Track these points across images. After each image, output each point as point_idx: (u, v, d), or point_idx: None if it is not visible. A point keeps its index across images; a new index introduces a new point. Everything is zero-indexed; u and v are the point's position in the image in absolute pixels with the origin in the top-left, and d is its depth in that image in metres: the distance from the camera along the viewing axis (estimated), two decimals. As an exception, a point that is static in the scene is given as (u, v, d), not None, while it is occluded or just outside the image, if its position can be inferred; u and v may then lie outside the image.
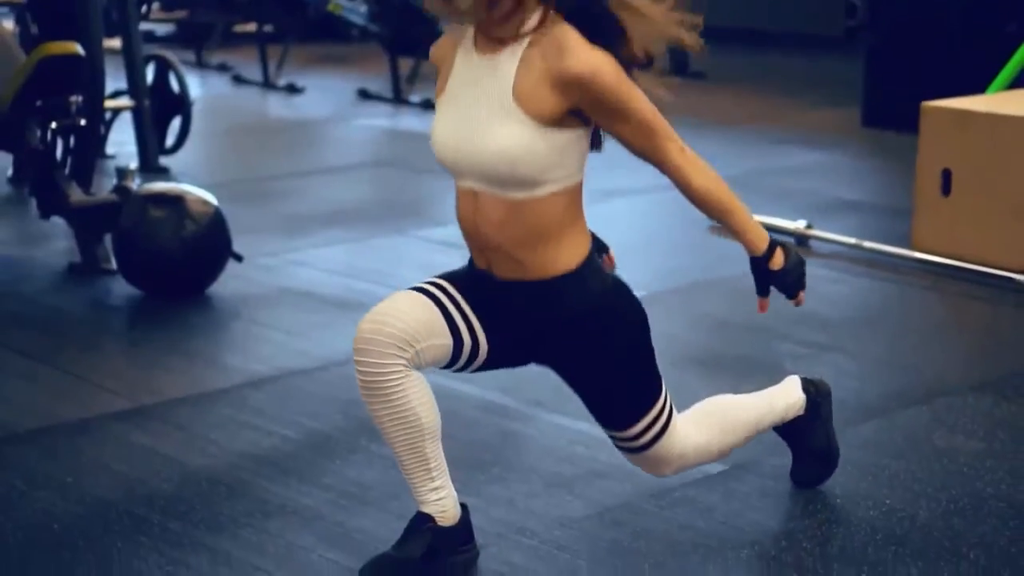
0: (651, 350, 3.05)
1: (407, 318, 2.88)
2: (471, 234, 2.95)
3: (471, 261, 3.03)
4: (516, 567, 3.11)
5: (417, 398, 2.91)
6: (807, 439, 3.46)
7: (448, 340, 2.93)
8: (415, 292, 2.94)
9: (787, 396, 3.41)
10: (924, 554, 3.17)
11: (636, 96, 2.80)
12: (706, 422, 3.24)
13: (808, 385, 3.46)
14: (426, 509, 3.03)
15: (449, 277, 3.01)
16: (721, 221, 2.98)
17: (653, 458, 3.14)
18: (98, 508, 3.39)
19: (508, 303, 2.96)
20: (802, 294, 3.09)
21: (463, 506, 3.09)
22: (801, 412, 3.42)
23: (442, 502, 3.02)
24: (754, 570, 3.11)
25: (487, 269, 2.96)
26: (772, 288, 3.07)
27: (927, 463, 3.66)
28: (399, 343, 2.86)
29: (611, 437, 3.15)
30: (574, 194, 2.90)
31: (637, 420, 3.06)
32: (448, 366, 3.00)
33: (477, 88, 2.84)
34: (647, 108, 2.82)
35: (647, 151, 2.86)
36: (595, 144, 2.92)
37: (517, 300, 2.95)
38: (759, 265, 3.04)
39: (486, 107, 2.82)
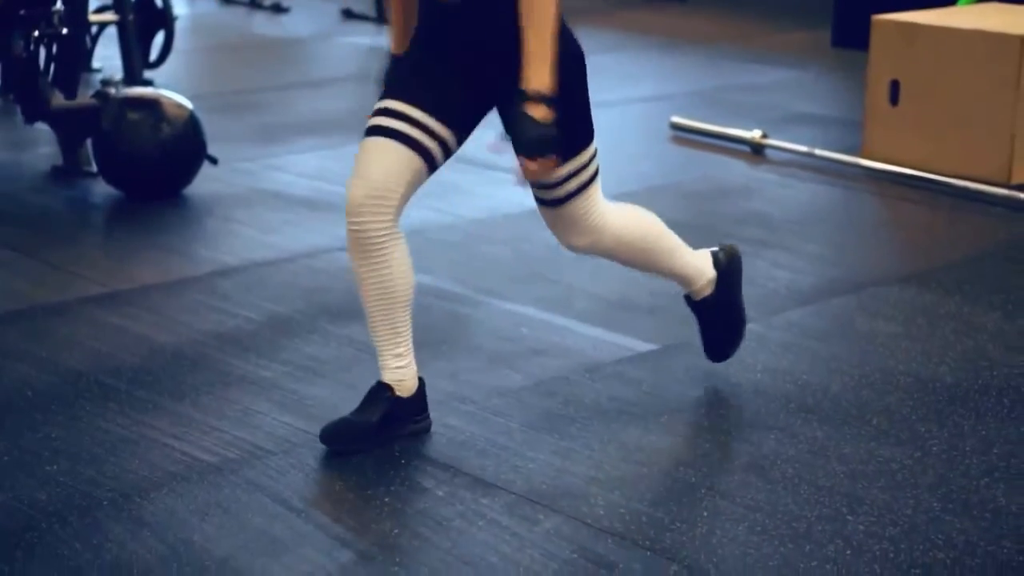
0: (586, 97, 3.18)
1: (382, 173, 3.11)
2: None
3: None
4: (453, 428, 3.37)
5: (397, 265, 3.14)
6: (716, 311, 3.63)
7: (421, 163, 3.14)
8: (380, 140, 3.14)
9: (700, 268, 3.60)
10: (831, 420, 3.43)
11: None
12: (633, 218, 3.42)
13: (718, 255, 3.65)
14: (386, 376, 3.26)
15: (395, 92, 3.18)
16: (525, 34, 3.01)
17: (568, 217, 3.30)
18: (70, 378, 3.65)
19: (460, 33, 3.11)
20: (532, 164, 3.07)
21: (420, 380, 3.32)
22: (710, 290, 3.61)
23: (402, 371, 3.27)
24: (673, 432, 3.37)
25: None
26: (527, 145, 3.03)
27: (847, 344, 3.92)
28: (382, 199, 3.09)
29: (535, 190, 3.28)
30: None
31: (563, 161, 3.18)
32: (432, 172, 3.19)
33: None
34: None
35: None
36: None
37: (472, 22, 3.09)
38: (517, 96, 3.03)
39: None
